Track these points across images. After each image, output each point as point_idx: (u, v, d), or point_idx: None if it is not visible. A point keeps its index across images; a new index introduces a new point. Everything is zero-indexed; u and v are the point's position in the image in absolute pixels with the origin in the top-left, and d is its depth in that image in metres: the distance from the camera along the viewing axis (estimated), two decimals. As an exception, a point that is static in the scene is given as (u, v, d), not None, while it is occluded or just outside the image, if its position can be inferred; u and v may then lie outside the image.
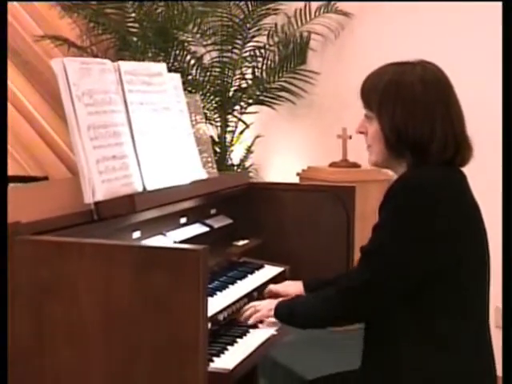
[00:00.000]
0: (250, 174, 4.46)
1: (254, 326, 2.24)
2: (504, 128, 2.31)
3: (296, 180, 4.55)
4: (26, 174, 4.77)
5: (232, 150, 5.00)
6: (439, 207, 1.91)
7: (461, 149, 2.00)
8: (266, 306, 2.24)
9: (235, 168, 4.96)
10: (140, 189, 2.17)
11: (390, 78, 2.01)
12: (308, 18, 4.82)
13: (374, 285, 1.94)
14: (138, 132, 2.21)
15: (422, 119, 1.96)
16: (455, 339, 1.95)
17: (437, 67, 2.05)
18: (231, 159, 4.99)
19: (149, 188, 2.19)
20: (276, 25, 4.90)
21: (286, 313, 2.15)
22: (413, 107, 1.96)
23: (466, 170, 2.07)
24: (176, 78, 2.56)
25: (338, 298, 2.00)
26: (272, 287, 2.46)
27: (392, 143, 2.00)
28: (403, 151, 2.00)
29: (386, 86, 2.00)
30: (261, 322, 2.25)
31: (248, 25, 4.83)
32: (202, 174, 2.56)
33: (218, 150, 4.83)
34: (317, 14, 4.79)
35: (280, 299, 2.25)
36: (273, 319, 2.21)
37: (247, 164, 5.05)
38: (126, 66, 2.23)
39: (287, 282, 2.50)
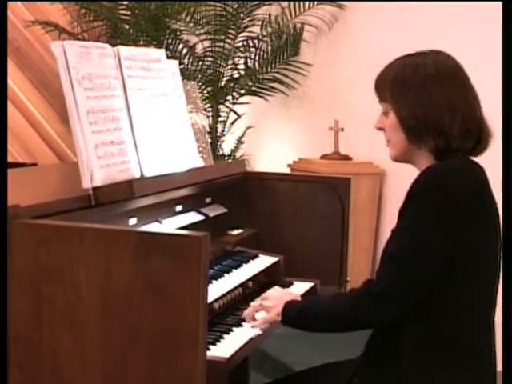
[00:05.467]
0: (242, 165, 4.45)
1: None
2: (504, 128, 2.31)
3: (287, 171, 4.54)
4: (14, 160, 4.73)
5: (223, 141, 4.98)
6: (463, 207, 1.87)
7: (483, 134, 1.96)
8: (274, 309, 2.09)
9: (226, 158, 4.95)
10: (138, 175, 2.15)
11: (403, 63, 1.98)
12: (301, 9, 4.81)
13: (396, 291, 1.89)
14: (136, 118, 2.19)
15: (440, 99, 1.92)
16: (460, 340, 1.93)
17: (448, 54, 2.01)
18: (222, 149, 4.98)
19: (146, 174, 2.18)
20: (269, 15, 4.88)
21: (296, 316, 2.03)
22: (426, 86, 1.92)
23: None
24: (174, 64, 2.55)
25: (366, 302, 1.92)
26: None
27: (411, 128, 1.94)
28: (424, 137, 1.94)
29: (397, 73, 1.97)
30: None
31: (241, 15, 4.81)
32: (199, 162, 2.55)
33: (209, 139, 4.80)
34: (310, 5, 4.78)
35: (287, 301, 2.10)
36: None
37: (238, 155, 5.03)
38: (125, 51, 2.21)
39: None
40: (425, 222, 1.88)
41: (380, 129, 2.05)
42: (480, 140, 1.96)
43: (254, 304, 2.15)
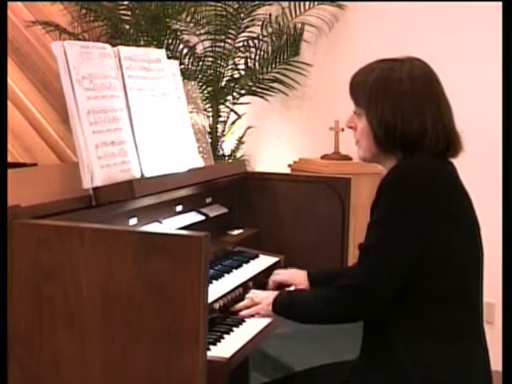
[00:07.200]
0: (242, 165, 4.45)
1: (250, 316, 2.22)
2: (504, 128, 2.31)
3: (287, 171, 4.54)
4: (15, 160, 4.73)
5: (223, 141, 4.99)
6: (433, 199, 1.91)
7: (451, 142, 2.00)
8: (265, 299, 2.19)
9: (226, 158, 4.95)
10: (138, 175, 2.15)
11: (379, 75, 2.01)
12: (302, 9, 4.81)
13: (372, 283, 1.91)
14: (136, 118, 2.19)
15: (412, 115, 1.96)
16: (451, 331, 1.95)
17: (424, 63, 2.05)
18: (222, 149, 4.98)
19: (147, 174, 2.18)
20: (270, 15, 4.88)
21: (286, 305, 2.11)
22: (401, 103, 1.96)
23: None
24: (174, 64, 2.55)
25: (337, 297, 1.97)
26: (276, 277, 2.46)
27: (381, 139, 2.00)
28: (393, 147, 2.00)
29: (374, 83, 2.00)
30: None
31: (242, 15, 4.81)
32: (199, 162, 2.55)
33: (209, 140, 4.81)
34: (311, 5, 4.78)
35: (278, 292, 2.20)
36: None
37: (238, 155, 5.03)
38: (125, 51, 2.22)
39: (292, 270, 2.48)
40: (396, 213, 1.91)
41: (350, 127, 2.08)
42: (448, 146, 2.00)
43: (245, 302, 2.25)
